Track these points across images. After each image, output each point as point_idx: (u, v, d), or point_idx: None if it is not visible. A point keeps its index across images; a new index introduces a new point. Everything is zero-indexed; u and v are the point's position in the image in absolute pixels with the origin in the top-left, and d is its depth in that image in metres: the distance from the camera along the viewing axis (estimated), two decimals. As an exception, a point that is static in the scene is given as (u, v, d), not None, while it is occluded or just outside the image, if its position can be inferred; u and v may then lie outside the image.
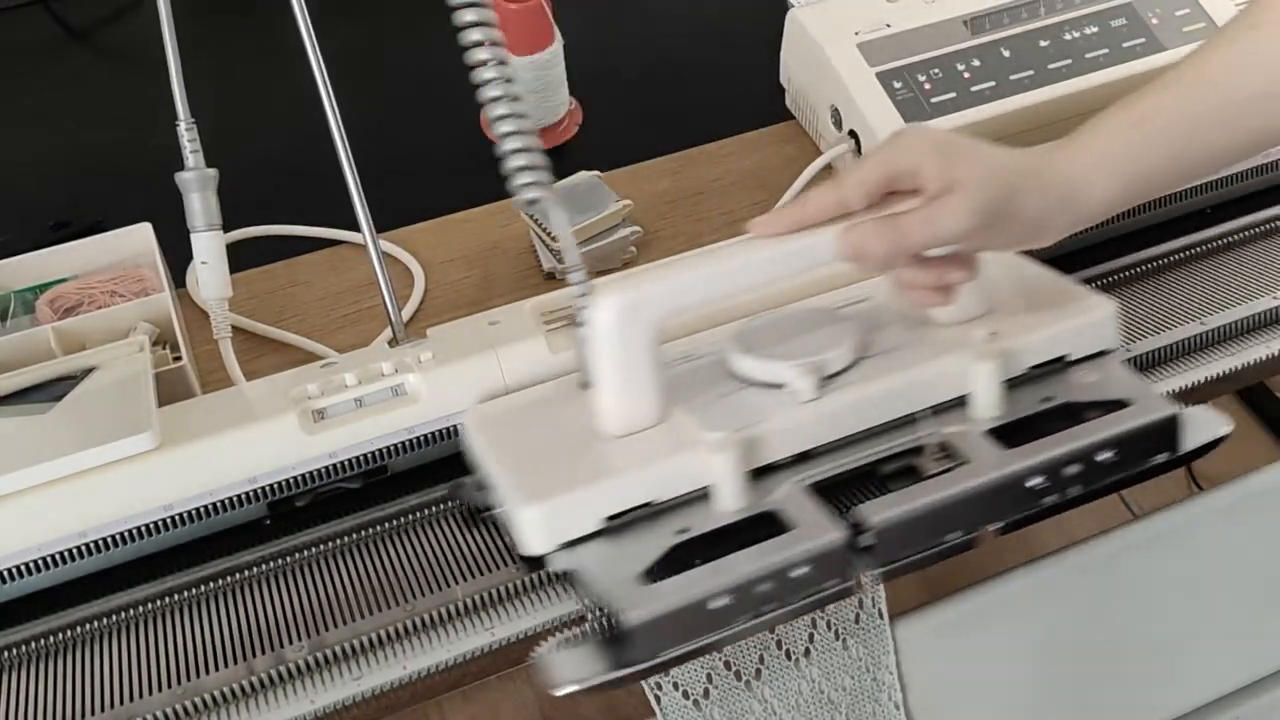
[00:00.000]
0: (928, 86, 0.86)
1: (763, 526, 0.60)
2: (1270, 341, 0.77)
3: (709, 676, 0.65)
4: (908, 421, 0.65)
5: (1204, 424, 0.65)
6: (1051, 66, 0.88)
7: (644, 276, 0.63)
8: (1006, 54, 0.88)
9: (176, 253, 0.82)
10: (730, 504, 0.61)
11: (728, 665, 0.65)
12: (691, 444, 0.61)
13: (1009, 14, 0.90)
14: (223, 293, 0.77)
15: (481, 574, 0.64)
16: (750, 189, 0.94)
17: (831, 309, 0.70)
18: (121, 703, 0.60)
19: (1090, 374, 0.67)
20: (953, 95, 0.86)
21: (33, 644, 0.64)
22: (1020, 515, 0.61)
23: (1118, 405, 0.64)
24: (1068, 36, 0.89)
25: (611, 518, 0.60)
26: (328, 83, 0.70)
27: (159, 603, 0.65)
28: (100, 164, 1.03)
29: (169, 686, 0.60)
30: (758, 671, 0.66)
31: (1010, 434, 0.63)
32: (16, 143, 1.06)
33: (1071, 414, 0.64)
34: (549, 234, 0.86)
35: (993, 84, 0.87)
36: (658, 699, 0.64)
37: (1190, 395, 0.74)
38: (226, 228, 0.76)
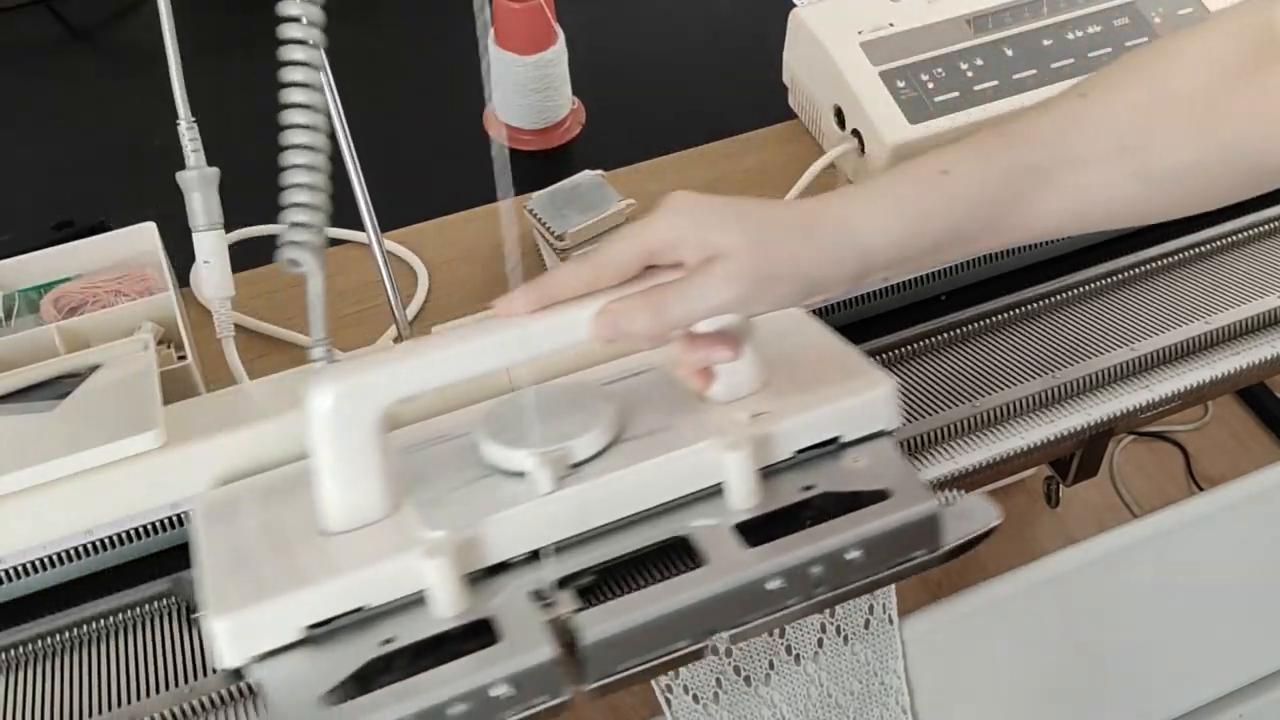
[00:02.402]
0: (930, 86, 0.86)
1: (481, 634, 0.55)
2: (1272, 342, 0.77)
3: (718, 681, 0.65)
4: (660, 512, 0.60)
5: (973, 515, 0.61)
6: (1054, 65, 0.88)
7: (367, 362, 0.58)
8: (1009, 53, 0.88)
9: (180, 252, 0.82)
10: (444, 610, 0.56)
11: (737, 670, 0.65)
12: (411, 543, 0.56)
13: (1012, 13, 0.90)
14: (225, 292, 0.77)
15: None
16: (753, 188, 0.94)
17: (599, 384, 0.65)
18: (123, 703, 0.60)
19: (861, 458, 0.62)
20: (955, 94, 0.86)
21: (36, 643, 0.64)
22: (759, 620, 0.57)
23: (880, 496, 0.60)
24: (1070, 35, 0.89)
25: (315, 625, 0.55)
26: (332, 81, 0.70)
27: (163, 602, 0.65)
28: (103, 163, 1.03)
29: (171, 686, 0.61)
30: (766, 676, 0.66)
31: (764, 527, 0.59)
32: (20, 142, 1.06)
33: (835, 504, 0.60)
34: (552, 233, 0.86)
35: (995, 83, 0.87)
36: (668, 701, 0.64)
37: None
38: (229, 227, 0.76)
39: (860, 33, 0.89)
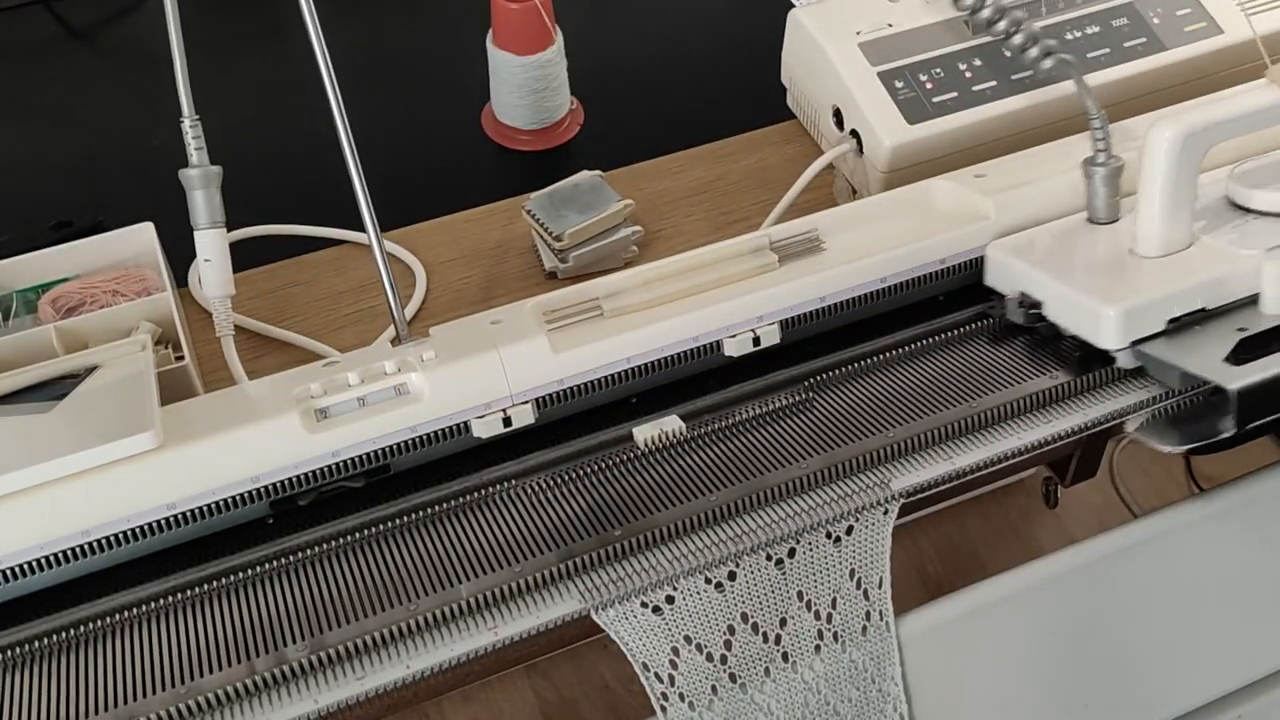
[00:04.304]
0: (929, 86, 0.86)
1: None
2: (1272, 341, 0.78)
3: (713, 688, 0.65)
4: None
5: None
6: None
7: (1191, 113, 0.69)
8: (1008, 54, 0.88)
9: (178, 251, 0.82)
10: (1277, 307, 0.68)
11: (733, 677, 0.65)
12: (1234, 259, 0.69)
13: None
14: (226, 291, 0.77)
15: (484, 573, 0.64)
16: (752, 189, 0.94)
17: None
18: (122, 702, 0.60)
19: None
20: (954, 95, 0.86)
21: (33, 643, 0.64)
22: None
23: None
24: (1069, 36, 0.89)
25: (1172, 320, 0.68)
26: (334, 81, 0.70)
27: (160, 602, 0.65)
28: (102, 163, 1.03)
29: (170, 686, 0.60)
30: (762, 682, 0.66)
31: None
32: (18, 142, 1.06)
33: None
34: (550, 234, 0.86)
35: (994, 83, 0.87)
36: (663, 709, 0.64)
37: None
38: (229, 227, 0.76)
39: (859, 33, 0.89)
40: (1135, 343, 0.70)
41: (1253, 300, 0.70)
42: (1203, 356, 0.68)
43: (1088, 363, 0.72)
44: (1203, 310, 0.70)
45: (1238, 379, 0.65)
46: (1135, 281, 0.71)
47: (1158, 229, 0.71)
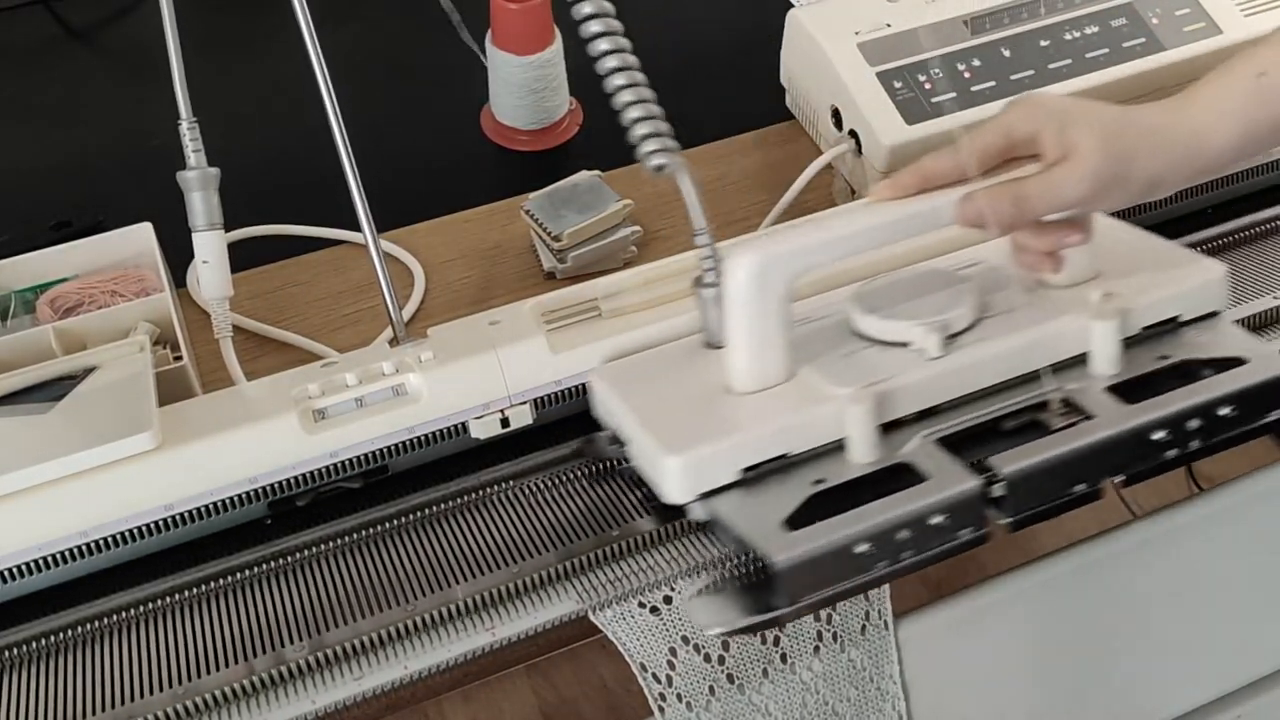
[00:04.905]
0: (928, 86, 0.86)
1: (895, 478, 0.62)
2: (1271, 341, 0.77)
3: (710, 689, 0.64)
4: (1029, 379, 0.66)
5: None
6: (1052, 66, 0.88)
7: (775, 238, 0.65)
8: (1007, 54, 0.88)
9: (177, 252, 0.82)
10: (864, 455, 0.62)
11: (730, 678, 0.65)
12: (823, 399, 0.63)
13: (1009, 14, 0.90)
14: (224, 292, 0.77)
15: (482, 574, 0.64)
16: (751, 189, 0.94)
17: (948, 271, 0.71)
18: (122, 703, 0.60)
19: (1202, 334, 0.69)
20: (953, 95, 0.86)
21: (33, 644, 0.63)
22: (1143, 467, 0.63)
23: (1235, 362, 0.66)
24: (1068, 36, 0.89)
25: (748, 469, 0.62)
26: (329, 82, 0.70)
27: (159, 602, 0.65)
28: (101, 164, 1.03)
29: (169, 686, 0.60)
30: (760, 682, 0.66)
31: (1129, 391, 0.65)
32: (17, 142, 1.06)
33: (1188, 372, 0.66)
34: (549, 234, 0.86)
35: (993, 84, 0.87)
36: (661, 710, 0.64)
37: None
38: (227, 227, 0.76)
39: (857, 33, 0.89)
40: (709, 494, 0.62)
41: (840, 446, 0.63)
42: (761, 517, 0.60)
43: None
44: (784, 457, 0.63)
45: (784, 549, 0.57)
46: (713, 423, 0.63)
47: (745, 363, 0.65)
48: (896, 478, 0.62)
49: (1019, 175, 0.63)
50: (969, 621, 0.74)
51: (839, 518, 0.59)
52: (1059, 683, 0.80)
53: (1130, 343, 0.67)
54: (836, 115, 0.90)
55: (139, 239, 0.81)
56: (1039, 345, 0.66)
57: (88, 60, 1.17)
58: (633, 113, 0.64)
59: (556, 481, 0.69)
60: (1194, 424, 0.64)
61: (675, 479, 0.62)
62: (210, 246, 0.75)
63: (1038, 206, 0.63)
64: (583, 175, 0.90)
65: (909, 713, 0.70)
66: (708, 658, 0.63)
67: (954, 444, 0.63)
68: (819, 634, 0.66)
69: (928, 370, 0.65)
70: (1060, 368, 0.67)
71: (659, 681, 0.63)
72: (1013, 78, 0.87)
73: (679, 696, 0.64)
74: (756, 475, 0.62)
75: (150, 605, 0.65)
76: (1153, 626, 0.81)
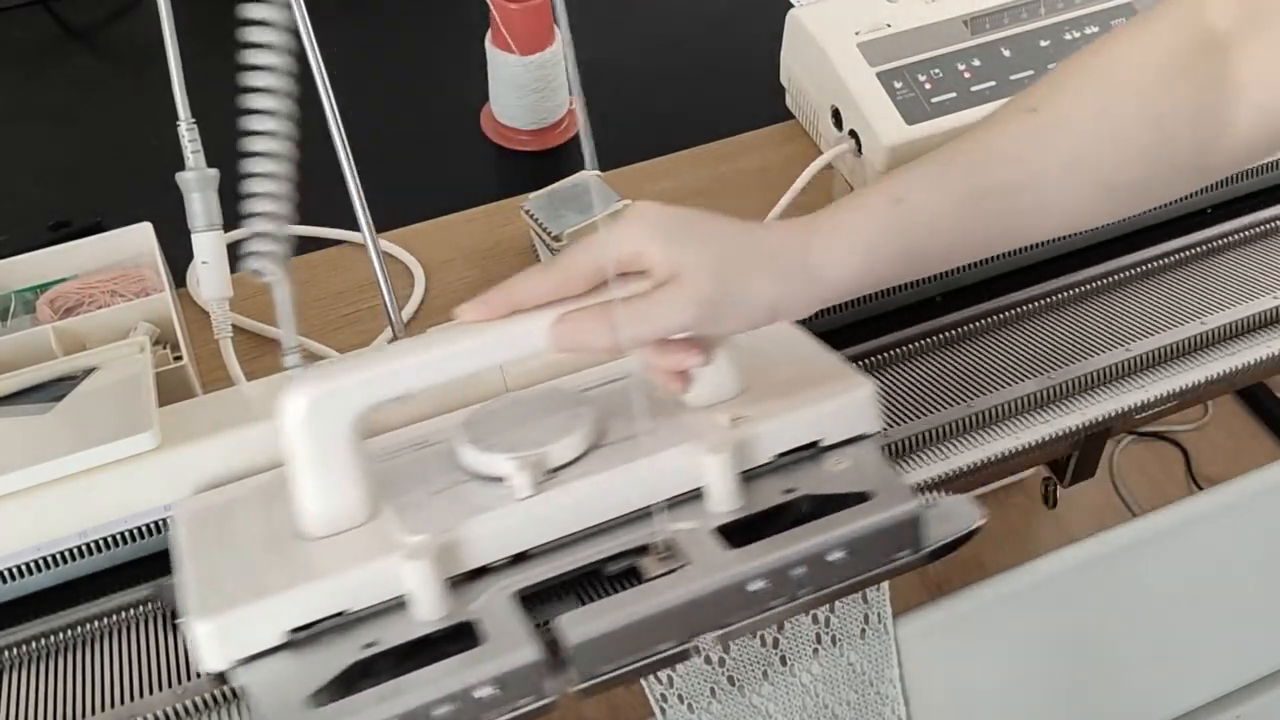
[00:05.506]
0: (928, 86, 0.86)
1: (463, 637, 0.55)
2: (1270, 342, 0.77)
3: (712, 690, 0.64)
4: (640, 517, 0.60)
5: (956, 516, 0.61)
6: (1052, 66, 0.88)
7: (338, 370, 0.58)
8: (1007, 54, 0.88)
9: (177, 252, 0.82)
10: (426, 614, 0.55)
11: (731, 680, 0.65)
12: (391, 548, 0.56)
13: (1009, 14, 0.90)
14: (224, 292, 0.77)
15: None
16: (751, 189, 0.94)
17: (578, 390, 0.65)
18: (122, 702, 0.60)
19: (843, 461, 0.62)
20: (953, 95, 0.86)
21: (33, 644, 0.64)
22: (743, 621, 0.57)
23: (861, 498, 0.59)
24: (1068, 36, 0.89)
25: (297, 629, 0.55)
26: (327, 82, 0.70)
27: (159, 603, 0.65)
28: (100, 164, 1.03)
29: (168, 686, 0.61)
30: (760, 684, 0.65)
31: (743, 531, 0.59)
32: (17, 142, 1.06)
33: (816, 506, 0.60)
34: (549, 234, 0.86)
35: (993, 84, 0.87)
36: (663, 711, 0.64)
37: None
38: (227, 227, 0.76)
39: (857, 33, 0.89)
40: (250, 659, 0.55)
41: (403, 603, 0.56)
42: (289, 691, 0.53)
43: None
44: (343, 614, 0.56)
45: None
46: (268, 576, 0.56)
47: (311, 506, 0.58)
48: (465, 637, 0.55)
49: (625, 292, 0.56)
50: (968, 622, 0.74)
51: (365, 694, 0.52)
52: (1059, 683, 0.80)
53: (760, 472, 0.61)
54: (836, 115, 0.90)
55: (139, 239, 0.81)
56: (647, 481, 0.59)
57: (88, 60, 1.17)
58: (257, 186, 0.57)
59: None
60: (799, 572, 0.57)
61: (206, 644, 0.54)
62: (210, 247, 0.75)
63: (639, 332, 0.55)
64: (582, 175, 0.90)
65: (909, 716, 0.70)
66: (708, 659, 0.63)
67: (541, 595, 0.58)
68: (818, 635, 0.66)
69: (515, 512, 0.58)
70: (682, 501, 0.60)
71: (660, 682, 0.63)
72: (1013, 78, 0.87)
73: (680, 697, 0.64)
74: (308, 636, 0.55)
75: (150, 605, 0.65)
76: (1152, 626, 0.81)
